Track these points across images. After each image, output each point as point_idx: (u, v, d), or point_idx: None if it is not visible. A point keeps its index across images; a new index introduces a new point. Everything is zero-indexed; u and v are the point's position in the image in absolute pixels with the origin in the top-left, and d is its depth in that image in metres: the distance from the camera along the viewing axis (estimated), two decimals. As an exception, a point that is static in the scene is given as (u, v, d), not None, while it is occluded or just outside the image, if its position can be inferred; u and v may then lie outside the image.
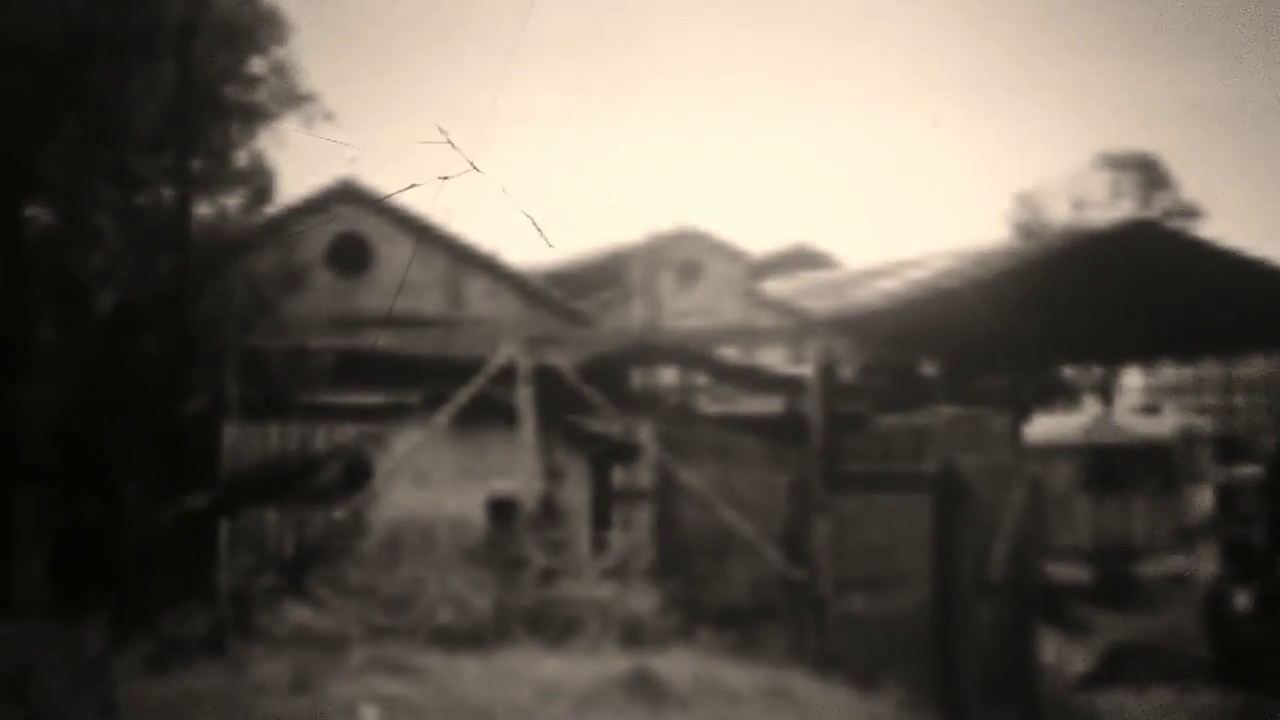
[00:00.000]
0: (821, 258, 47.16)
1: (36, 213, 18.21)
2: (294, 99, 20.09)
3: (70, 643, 12.80)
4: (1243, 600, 22.27)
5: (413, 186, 10.11)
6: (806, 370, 20.64)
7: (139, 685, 12.69)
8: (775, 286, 37.73)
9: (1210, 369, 46.58)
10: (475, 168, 9.50)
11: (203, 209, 19.60)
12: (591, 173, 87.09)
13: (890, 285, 34.58)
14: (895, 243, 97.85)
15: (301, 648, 14.11)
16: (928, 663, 17.80)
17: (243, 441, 18.25)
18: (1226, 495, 28.41)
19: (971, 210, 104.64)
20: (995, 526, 19.64)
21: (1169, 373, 48.64)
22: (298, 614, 15.46)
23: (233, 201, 20.27)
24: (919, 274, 35.05)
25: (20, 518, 16.60)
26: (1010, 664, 19.51)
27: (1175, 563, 30.28)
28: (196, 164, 19.15)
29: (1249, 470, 25.92)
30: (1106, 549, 32.20)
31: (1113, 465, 33.50)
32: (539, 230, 10.48)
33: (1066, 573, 29.54)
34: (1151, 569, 31.50)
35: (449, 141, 9.25)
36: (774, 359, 26.98)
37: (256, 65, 20.05)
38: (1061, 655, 23.53)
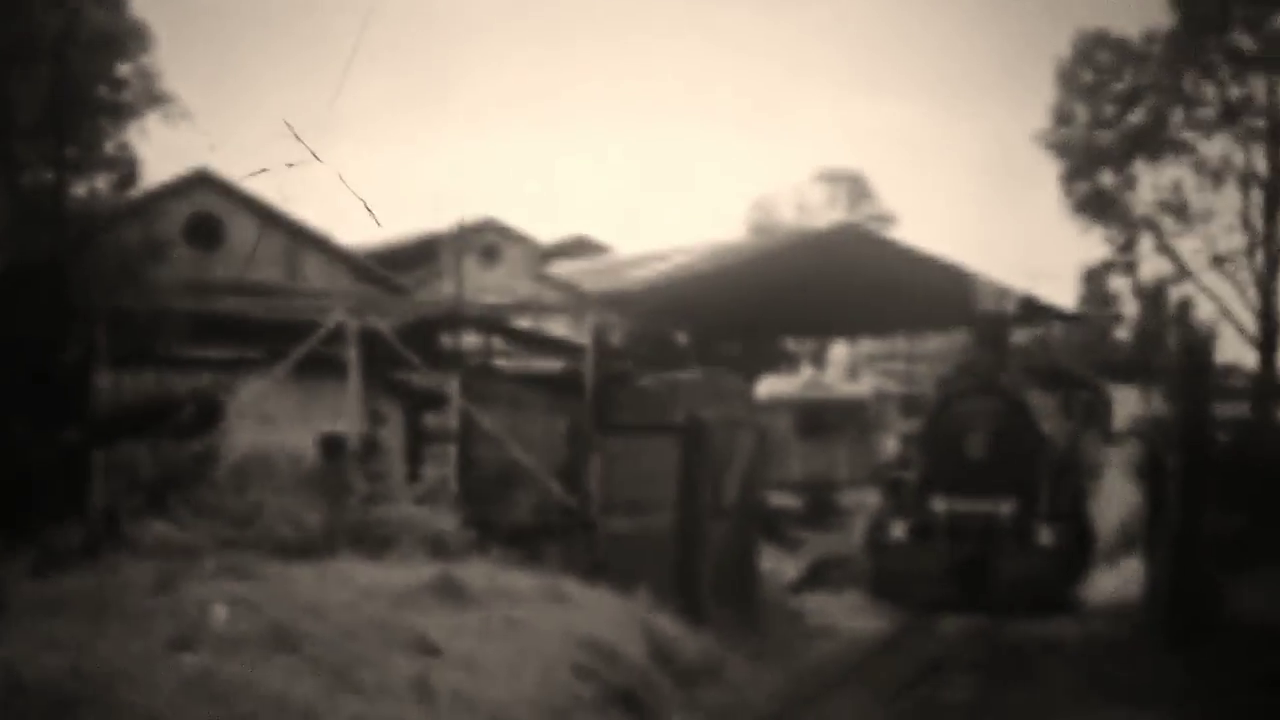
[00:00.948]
0: (598, 246, 47.30)
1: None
2: (156, 99, 19.51)
3: (-37, 554, 12.49)
4: (898, 530, 22.10)
5: (263, 171, 10.05)
6: (584, 338, 20.89)
7: (24, 586, 12.37)
8: (560, 269, 37.83)
9: (899, 343, 47.90)
10: (316, 156, 9.51)
11: (78, 190, 19.00)
12: (412, 165, 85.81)
13: (652, 271, 35.01)
14: (658, 235, 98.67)
15: (163, 557, 13.83)
16: (673, 571, 18.23)
17: (111, 387, 17.84)
18: (906, 442, 29.07)
19: (719, 212, 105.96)
20: (729, 464, 20.26)
21: (867, 345, 49.89)
22: (160, 529, 15.18)
23: (103, 184, 19.66)
24: (676, 261, 35.55)
25: (-82, 449, 16.08)
26: (738, 572, 20.15)
27: (866, 494, 31.23)
28: (72, 151, 18.55)
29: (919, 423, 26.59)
30: (815, 482, 33.15)
31: (822, 417, 34.46)
32: (369, 210, 10.55)
33: (783, 501, 30.38)
34: (848, 499, 32.52)
35: (295, 135, 9.25)
36: (558, 328, 27.06)
37: (124, 69, 19.48)
38: (778, 566, 24.30)
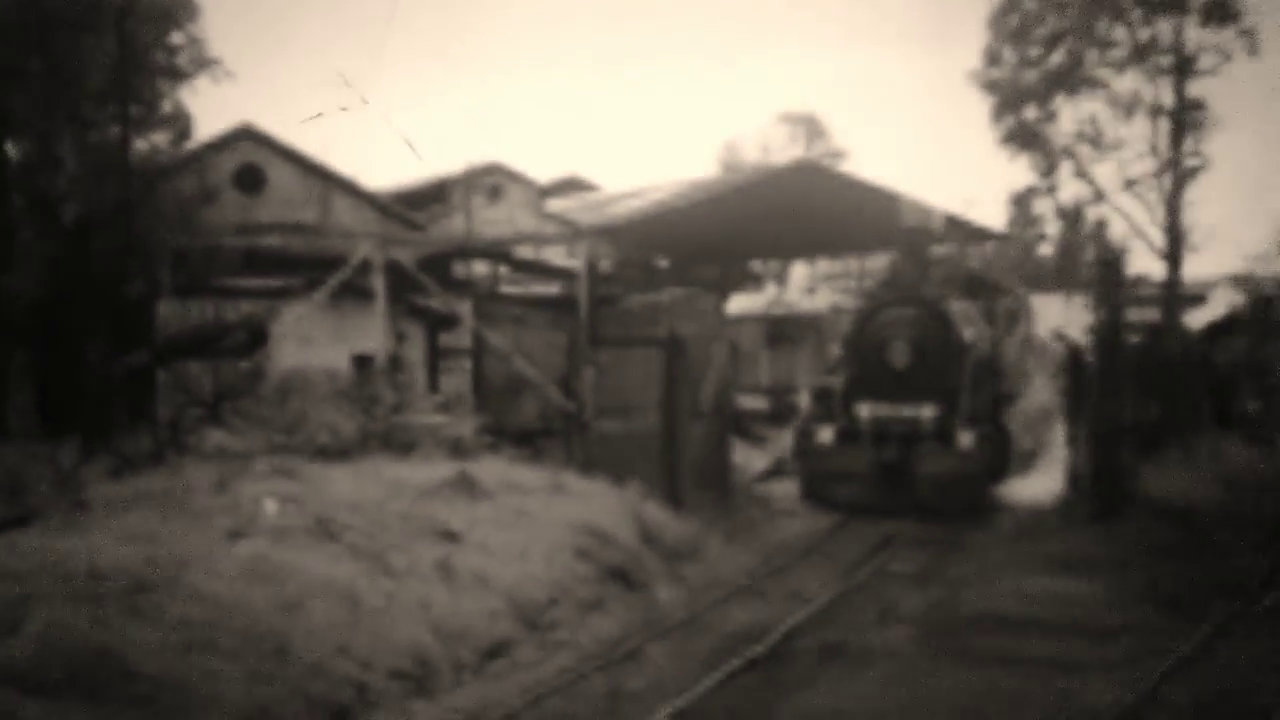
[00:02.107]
0: (589, 184, 46.96)
1: (13, 147, 17.43)
2: (205, 63, 19.33)
3: (51, 458, 12.55)
4: (825, 435, 20.54)
5: (317, 117, 9.91)
6: (577, 264, 20.82)
7: (102, 487, 12.47)
8: (556, 205, 37.59)
9: (851, 262, 47.73)
10: (365, 101, 9.47)
11: (140, 144, 18.85)
12: (425, 116, 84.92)
13: (636, 204, 34.80)
14: (641, 172, 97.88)
15: (220, 460, 13.96)
16: (658, 465, 18.34)
17: (173, 314, 17.82)
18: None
19: (692, 152, 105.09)
20: (705, 372, 20.21)
21: (824, 265, 49.77)
22: (217, 437, 15.28)
23: (161, 139, 19.56)
24: (656, 196, 35.32)
25: (11, 369, 16.14)
26: (713, 465, 20.12)
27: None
28: (134, 110, 18.37)
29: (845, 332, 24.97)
30: (779, 387, 32.93)
31: (785, 329, 34.24)
32: (411, 147, 10.57)
33: (752, 403, 30.24)
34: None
35: (347, 83, 9.20)
36: (556, 257, 26.99)
37: (176, 37, 19.24)
38: (747, 459, 24.10)
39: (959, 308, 21.64)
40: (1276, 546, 15.61)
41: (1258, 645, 11.28)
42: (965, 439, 19.58)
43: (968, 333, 20.96)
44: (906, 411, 19.94)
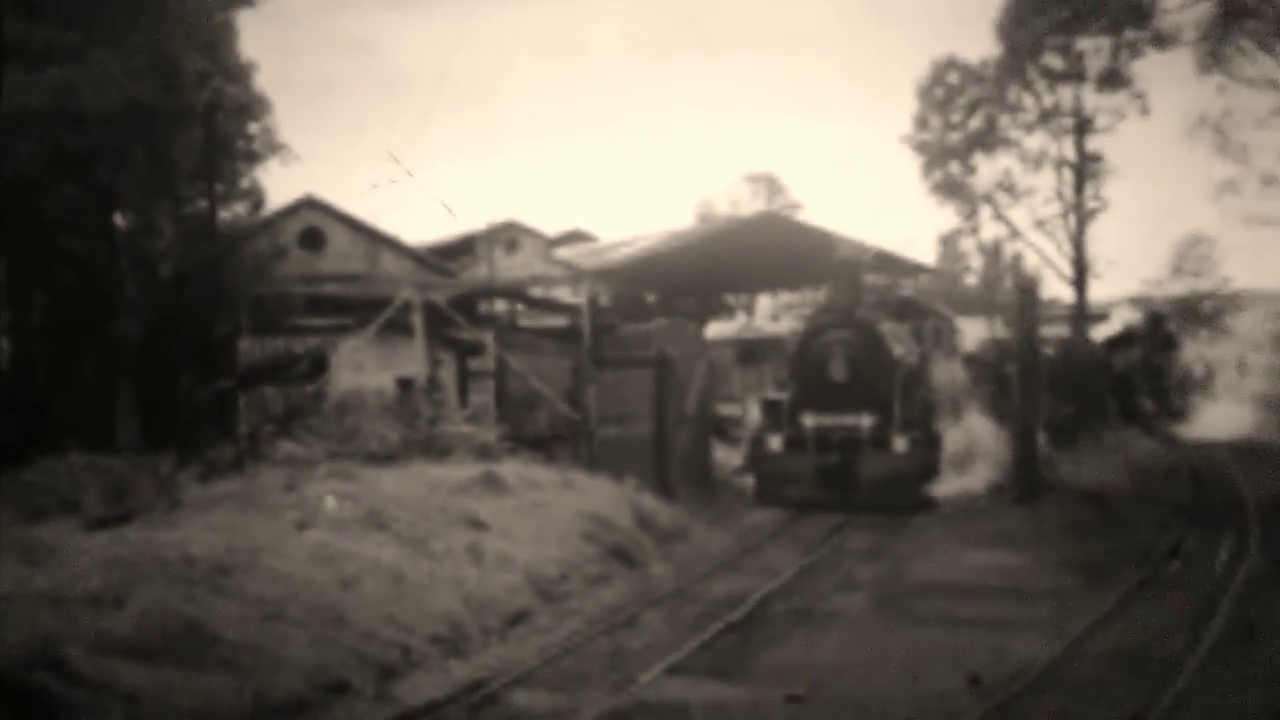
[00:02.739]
0: (589, 235, 46.84)
1: (121, 218, 17.59)
2: (275, 148, 19.39)
3: (152, 467, 12.58)
4: (774, 443, 19.30)
5: (373, 188, 10.00)
6: (581, 301, 20.87)
7: (193, 489, 12.53)
8: (562, 252, 37.43)
9: (807, 293, 47.71)
10: (410, 174, 9.56)
11: (224, 214, 18.91)
12: (453, 183, 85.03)
13: (628, 251, 34.75)
14: (632, 224, 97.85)
15: (289, 466, 13.97)
16: (651, 463, 18.31)
17: (251, 349, 17.90)
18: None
19: (673, 206, 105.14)
20: (688, 385, 20.25)
21: (785, 296, 49.81)
22: (287, 447, 15.25)
23: (241, 209, 19.63)
24: (645, 244, 35.21)
25: (121, 397, 16.23)
26: (697, 462, 20.18)
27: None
28: (218, 187, 18.47)
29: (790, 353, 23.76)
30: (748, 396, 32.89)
31: (753, 349, 34.10)
32: (449, 210, 10.65)
33: (728, 410, 30.04)
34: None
35: (395, 159, 9.31)
36: (563, 294, 27.03)
37: (253, 128, 19.35)
38: (726, 457, 23.70)
39: (889, 328, 20.91)
40: (1177, 523, 15.56)
41: (1164, 606, 11.16)
42: (900, 443, 18.73)
43: (897, 350, 20.18)
44: (846, 421, 19.01)
